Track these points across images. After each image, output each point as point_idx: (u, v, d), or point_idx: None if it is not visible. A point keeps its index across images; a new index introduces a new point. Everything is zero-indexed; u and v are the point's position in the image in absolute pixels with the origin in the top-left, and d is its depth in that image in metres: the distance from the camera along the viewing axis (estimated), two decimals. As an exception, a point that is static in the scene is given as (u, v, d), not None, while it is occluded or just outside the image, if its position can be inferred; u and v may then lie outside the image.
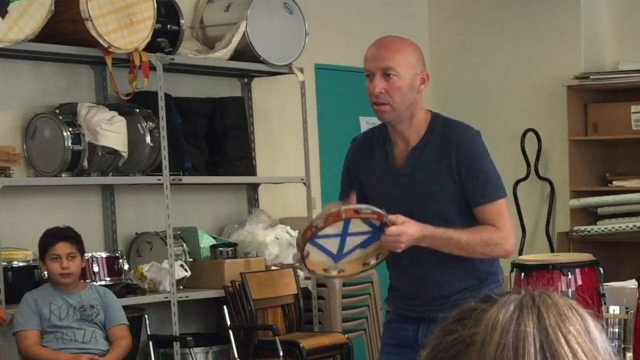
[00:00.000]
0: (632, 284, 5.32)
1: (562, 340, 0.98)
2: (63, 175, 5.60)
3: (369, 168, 3.54)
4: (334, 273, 3.39)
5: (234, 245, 6.39)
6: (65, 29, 5.45)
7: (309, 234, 3.27)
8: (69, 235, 5.10)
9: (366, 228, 3.34)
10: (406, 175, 3.46)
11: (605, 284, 5.37)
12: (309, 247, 3.30)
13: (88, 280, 5.42)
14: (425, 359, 1.05)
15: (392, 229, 3.29)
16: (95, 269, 5.64)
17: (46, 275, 5.20)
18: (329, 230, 3.28)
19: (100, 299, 5.14)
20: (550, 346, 0.98)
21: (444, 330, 1.04)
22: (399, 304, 3.59)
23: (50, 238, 5.06)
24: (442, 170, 3.42)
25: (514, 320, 0.99)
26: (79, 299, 5.09)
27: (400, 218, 3.29)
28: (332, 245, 3.34)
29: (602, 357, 1.00)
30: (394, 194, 3.45)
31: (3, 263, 5.32)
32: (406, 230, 3.29)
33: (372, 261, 3.41)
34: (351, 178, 3.60)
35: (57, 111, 5.71)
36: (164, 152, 5.84)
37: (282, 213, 6.94)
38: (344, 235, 3.33)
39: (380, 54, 3.43)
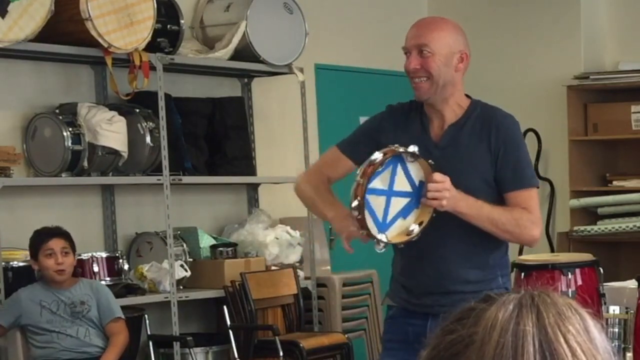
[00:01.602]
0: (632, 284, 5.32)
1: (561, 340, 0.98)
2: (63, 175, 5.60)
3: (399, 137, 3.47)
4: (384, 240, 3.34)
5: (234, 245, 6.39)
6: (65, 29, 5.45)
7: (369, 171, 3.26)
8: (61, 232, 5.12)
9: (408, 187, 3.34)
10: (441, 148, 3.45)
11: (605, 284, 5.37)
12: (361, 203, 3.26)
13: (79, 276, 5.41)
14: (425, 358, 1.04)
15: (438, 175, 3.28)
16: (95, 269, 5.63)
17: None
18: (378, 183, 3.28)
19: (91, 295, 5.13)
20: (549, 345, 0.98)
21: (443, 329, 1.04)
22: (405, 298, 3.53)
23: (43, 235, 5.07)
24: (479, 149, 3.43)
25: (513, 319, 0.99)
26: (69, 295, 5.09)
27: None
28: (379, 207, 3.32)
29: (601, 356, 1.00)
30: None
31: (3, 263, 5.32)
32: (449, 182, 3.28)
33: (415, 229, 3.36)
34: (368, 139, 3.54)
35: (57, 111, 5.71)
36: (164, 152, 5.84)
37: (282, 213, 6.94)
38: (389, 193, 3.32)
39: (416, 32, 3.50)
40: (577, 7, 7.64)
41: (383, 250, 3.40)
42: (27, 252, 5.45)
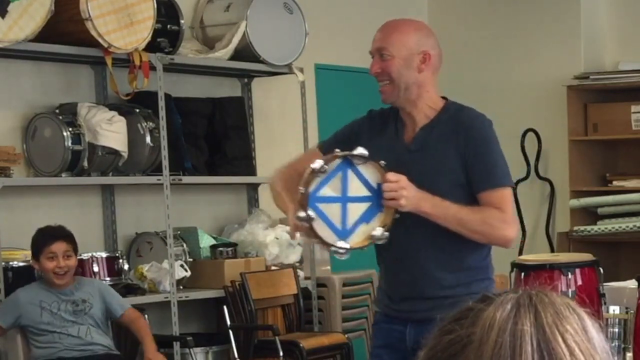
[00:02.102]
0: (632, 284, 5.32)
1: (559, 339, 0.98)
2: (63, 175, 5.60)
3: (376, 142, 3.46)
4: (344, 246, 3.27)
5: (234, 245, 6.39)
6: (65, 29, 5.45)
7: (309, 179, 3.19)
8: (65, 234, 5.10)
9: (365, 192, 3.27)
10: (413, 151, 3.42)
11: (605, 284, 5.37)
12: (313, 214, 3.20)
13: (78, 275, 5.42)
14: (423, 359, 1.04)
15: (391, 174, 3.23)
16: (95, 269, 5.64)
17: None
18: (328, 190, 3.22)
19: (92, 293, 5.14)
20: (547, 345, 0.98)
21: (441, 330, 1.04)
22: (387, 303, 3.51)
23: (47, 237, 5.06)
24: (449, 150, 3.38)
25: (511, 318, 0.99)
26: (70, 293, 5.09)
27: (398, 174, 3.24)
28: (335, 214, 3.26)
29: (599, 356, 1.00)
30: (398, 169, 3.36)
31: (3, 263, 5.32)
32: (406, 180, 3.23)
33: (378, 231, 3.29)
34: (347, 141, 3.47)
35: (57, 111, 5.71)
36: (164, 152, 5.84)
37: (282, 213, 6.92)
38: (344, 199, 3.26)
39: (377, 36, 3.49)
40: (577, 7, 7.64)
41: (345, 257, 3.35)
42: (27, 252, 5.45)
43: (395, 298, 3.47)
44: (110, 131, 5.64)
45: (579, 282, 5.27)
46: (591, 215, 7.55)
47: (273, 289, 6.29)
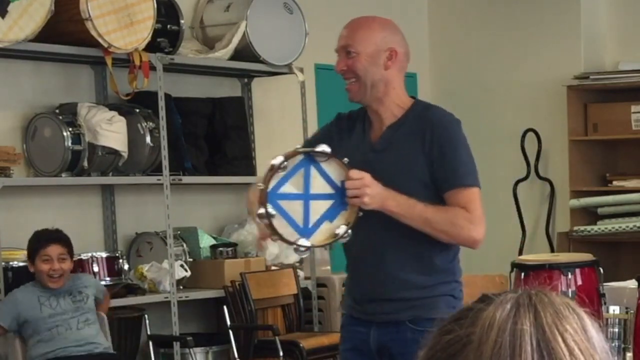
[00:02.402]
0: (632, 284, 5.31)
1: (559, 339, 0.98)
2: (63, 175, 5.61)
3: (345, 142, 3.44)
4: (305, 244, 3.19)
5: (234, 245, 6.39)
6: (65, 29, 5.45)
7: (269, 176, 3.12)
8: (60, 237, 5.12)
9: (329, 189, 3.21)
10: (378, 151, 3.37)
11: (605, 284, 5.37)
12: (273, 211, 3.13)
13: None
14: (422, 359, 1.04)
15: (354, 171, 3.17)
16: (95, 269, 5.64)
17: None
18: (290, 187, 3.16)
19: (87, 286, 5.20)
20: (546, 344, 0.98)
21: (441, 330, 1.04)
22: (351, 305, 3.45)
23: (43, 240, 5.08)
24: (414, 149, 3.32)
25: (511, 318, 0.99)
26: (66, 287, 5.11)
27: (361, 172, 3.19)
28: (297, 212, 3.19)
29: (598, 356, 1.00)
30: (363, 168, 3.29)
31: (3, 263, 5.32)
32: (370, 178, 3.16)
33: (342, 229, 3.20)
34: (323, 134, 3.51)
35: (57, 111, 5.71)
36: (164, 152, 5.84)
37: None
38: (306, 196, 3.19)
39: (343, 33, 3.46)
40: (577, 7, 7.64)
41: (306, 255, 3.32)
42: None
43: (359, 300, 3.41)
44: (110, 131, 5.64)
45: (579, 282, 5.27)
46: (591, 215, 7.55)
47: (273, 289, 6.29)
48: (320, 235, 3.23)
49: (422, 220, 3.22)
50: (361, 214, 3.21)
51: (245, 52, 6.33)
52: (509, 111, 7.90)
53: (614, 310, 5.25)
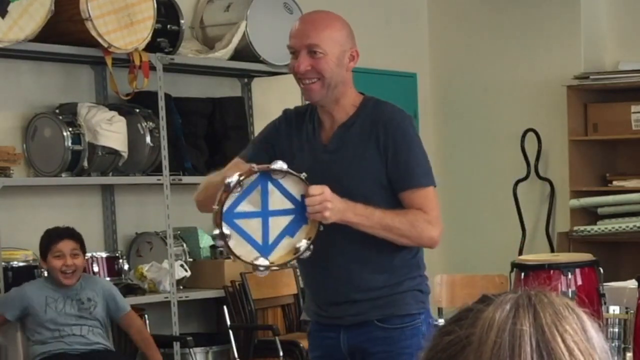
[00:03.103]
0: (632, 284, 5.31)
1: (559, 339, 0.98)
2: (63, 175, 5.61)
3: (293, 142, 3.37)
4: (263, 263, 3.13)
5: (234, 245, 6.38)
6: (65, 29, 5.45)
7: (224, 196, 3.03)
8: (72, 233, 5.12)
9: (288, 204, 3.13)
10: (330, 152, 3.29)
11: (605, 284, 5.37)
12: (229, 231, 3.08)
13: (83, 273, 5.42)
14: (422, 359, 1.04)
15: (314, 187, 3.08)
16: (95, 269, 5.64)
17: (46, 274, 5.21)
18: (247, 206, 3.08)
19: (96, 291, 5.14)
20: (546, 345, 0.98)
21: (441, 331, 1.04)
22: (315, 311, 3.39)
23: (54, 236, 5.08)
24: (368, 149, 3.25)
25: (510, 319, 0.99)
26: (75, 291, 5.09)
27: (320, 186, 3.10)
28: (255, 230, 3.13)
29: (598, 356, 1.00)
30: (315, 170, 3.23)
31: (3, 263, 5.32)
32: (329, 192, 3.08)
33: (303, 244, 3.13)
34: (264, 144, 3.40)
35: (57, 111, 5.71)
36: (164, 152, 5.84)
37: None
38: (264, 213, 3.11)
39: (305, 31, 3.29)
40: (577, 7, 7.64)
41: (265, 274, 3.26)
42: (27, 252, 5.47)
43: (323, 305, 3.36)
44: (110, 131, 5.65)
45: (579, 282, 5.27)
46: (591, 215, 7.55)
47: (273, 289, 6.29)
48: (282, 250, 3.16)
49: (381, 227, 3.16)
50: (322, 228, 3.15)
51: (245, 52, 6.33)
52: (509, 111, 7.90)
53: (614, 310, 5.25)
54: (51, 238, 5.08)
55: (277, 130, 3.43)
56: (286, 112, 3.52)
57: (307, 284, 3.46)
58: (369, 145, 3.25)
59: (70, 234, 5.10)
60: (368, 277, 3.27)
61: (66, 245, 5.03)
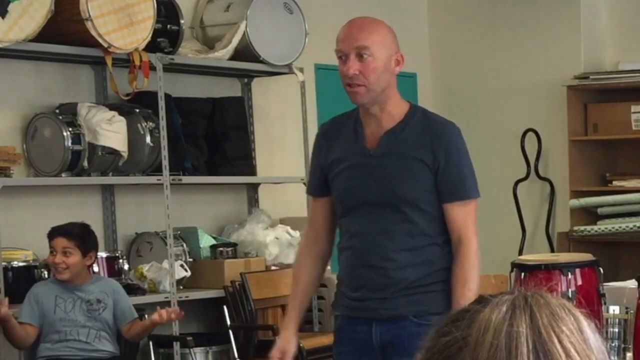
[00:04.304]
0: (632, 284, 5.31)
1: (555, 340, 0.98)
2: (63, 175, 5.61)
3: (336, 150, 3.42)
4: None
5: (234, 245, 6.39)
6: (65, 29, 5.45)
7: None
8: (68, 230, 5.06)
9: None
10: (377, 156, 3.35)
11: (605, 284, 5.36)
12: None
13: (95, 273, 5.40)
14: None
15: None
16: (96, 269, 5.63)
17: (46, 273, 5.22)
18: None
19: (107, 293, 5.11)
20: (543, 346, 0.98)
21: (438, 332, 1.04)
22: (348, 304, 3.45)
23: (51, 233, 5.07)
24: (418, 156, 3.32)
25: (507, 320, 0.99)
26: (85, 291, 5.07)
27: None
28: None
29: (595, 357, 1.00)
30: (361, 173, 3.33)
31: (3, 263, 5.32)
32: None
33: None
34: (319, 173, 3.49)
35: (57, 111, 5.71)
36: (164, 152, 5.84)
37: (282, 213, 6.94)
38: None
39: (354, 34, 3.35)
40: (577, 7, 7.64)
41: None
42: (28, 252, 5.49)
43: (359, 298, 3.41)
44: (110, 131, 5.65)
45: (579, 282, 5.26)
46: (591, 215, 7.55)
47: (273, 289, 6.29)
48: None
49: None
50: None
51: (245, 52, 6.33)
52: (509, 111, 7.90)
53: (614, 310, 5.25)
54: (49, 234, 5.08)
55: (320, 150, 3.50)
56: (322, 127, 3.60)
57: (345, 274, 3.50)
58: (418, 153, 3.32)
59: (65, 231, 5.05)
60: (407, 276, 3.34)
61: (58, 243, 5.01)
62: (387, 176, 3.31)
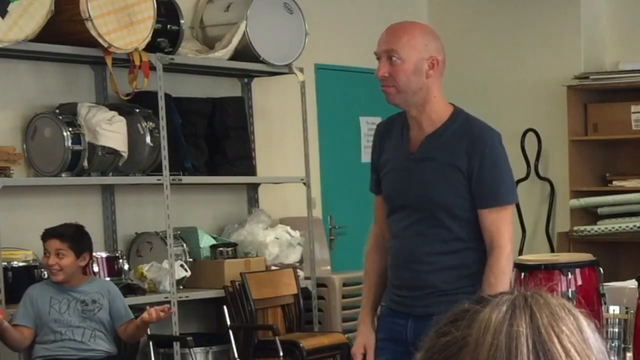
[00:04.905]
0: (632, 284, 5.31)
1: (555, 340, 0.98)
2: (63, 175, 5.61)
3: (386, 151, 3.54)
4: None
5: (234, 245, 6.39)
6: (65, 29, 5.45)
7: None
8: (60, 232, 5.04)
9: None
10: (416, 160, 3.43)
11: (605, 284, 5.36)
12: None
13: (92, 274, 5.41)
14: None
15: None
16: (95, 269, 5.64)
17: (46, 274, 5.22)
18: None
19: (103, 294, 5.11)
20: (543, 346, 0.98)
21: (437, 332, 1.04)
22: (391, 297, 3.58)
23: (44, 234, 5.06)
24: (454, 162, 3.38)
25: (507, 320, 0.99)
26: (80, 292, 5.07)
27: None
28: None
29: (595, 356, 1.00)
30: (402, 176, 3.44)
31: (3, 263, 5.32)
32: None
33: None
34: (375, 174, 3.62)
35: (57, 111, 5.71)
36: (164, 152, 5.84)
37: (282, 213, 6.94)
38: None
39: (385, 38, 3.44)
40: (577, 7, 7.64)
41: None
42: (28, 252, 5.48)
43: (399, 291, 3.53)
44: (110, 131, 5.65)
45: (579, 282, 5.26)
46: (591, 215, 7.55)
47: (273, 289, 6.29)
48: None
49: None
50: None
51: (245, 52, 6.33)
52: (509, 111, 7.90)
53: (614, 310, 5.25)
54: (42, 236, 5.07)
55: (375, 149, 3.61)
56: (378, 126, 3.67)
57: (390, 272, 3.60)
58: (455, 157, 3.39)
59: (57, 233, 5.04)
60: (443, 273, 3.43)
61: (51, 245, 5.01)
62: (423, 181, 3.41)
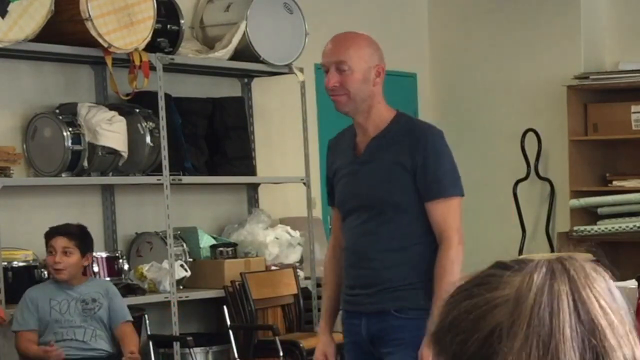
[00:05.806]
0: (632, 284, 5.31)
1: (593, 299, 1.08)
2: (63, 175, 5.60)
3: (337, 161, 3.69)
4: None
5: (234, 245, 6.39)
6: (65, 29, 5.45)
7: None
8: (68, 230, 5.07)
9: None
10: (363, 162, 3.57)
11: (605, 284, 5.36)
12: None
13: (90, 276, 5.41)
14: (438, 327, 1.12)
15: None
16: (95, 269, 5.64)
17: (46, 273, 5.21)
18: None
19: (102, 293, 5.12)
20: (582, 304, 1.08)
21: (460, 294, 1.12)
22: (345, 298, 3.69)
23: (49, 232, 5.07)
24: (399, 160, 3.51)
25: (547, 280, 1.09)
26: (79, 291, 5.07)
27: None
28: None
29: (623, 312, 1.11)
30: (350, 179, 3.59)
31: (3, 263, 5.32)
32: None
33: None
34: (330, 186, 3.75)
35: (57, 111, 5.71)
36: (164, 152, 5.84)
37: (282, 213, 6.94)
38: None
39: (334, 49, 3.62)
40: (577, 7, 7.64)
41: None
42: (28, 252, 5.48)
43: (350, 292, 3.65)
44: (110, 131, 5.64)
45: (579, 282, 5.26)
46: (591, 215, 7.55)
47: (273, 289, 6.29)
48: None
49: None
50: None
51: (245, 52, 6.33)
52: (509, 111, 7.90)
53: (614, 310, 5.24)
54: (48, 234, 5.08)
55: (328, 163, 3.77)
56: (328, 142, 3.83)
57: (344, 274, 3.72)
58: (399, 156, 3.52)
59: (65, 231, 5.07)
60: (394, 270, 3.54)
61: (58, 242, 5.02)
62: (371, 181, 3.54)
